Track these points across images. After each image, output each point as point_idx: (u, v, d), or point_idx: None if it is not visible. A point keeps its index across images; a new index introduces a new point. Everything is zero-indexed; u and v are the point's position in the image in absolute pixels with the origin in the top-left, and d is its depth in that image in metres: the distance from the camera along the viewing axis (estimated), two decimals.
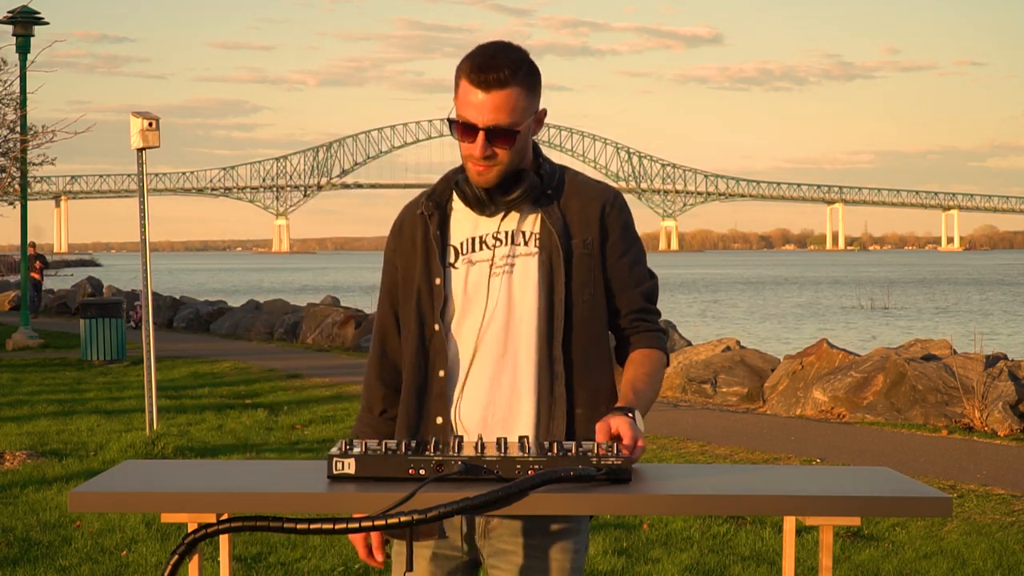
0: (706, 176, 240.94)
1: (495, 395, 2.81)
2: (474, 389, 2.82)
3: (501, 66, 2.73)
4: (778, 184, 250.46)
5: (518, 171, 2.82)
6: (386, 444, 2.50)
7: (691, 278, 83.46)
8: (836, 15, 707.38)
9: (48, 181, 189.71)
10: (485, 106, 2.74)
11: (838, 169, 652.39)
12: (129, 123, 10.31)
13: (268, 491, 2.48)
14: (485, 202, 2.82)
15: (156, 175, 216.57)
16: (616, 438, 2.61)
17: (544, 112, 2.84)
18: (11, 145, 18.99)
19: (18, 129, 18.64)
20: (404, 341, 2.89)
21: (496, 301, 2.83)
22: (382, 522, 2.34)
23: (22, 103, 18.31)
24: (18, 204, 21.04)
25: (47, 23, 20.33)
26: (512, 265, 2.84)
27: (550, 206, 2.85)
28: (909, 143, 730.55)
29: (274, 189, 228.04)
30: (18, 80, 18.67)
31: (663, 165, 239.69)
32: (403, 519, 2.33)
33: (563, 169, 2.91)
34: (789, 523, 2.62)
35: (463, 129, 2.77)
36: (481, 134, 2.75)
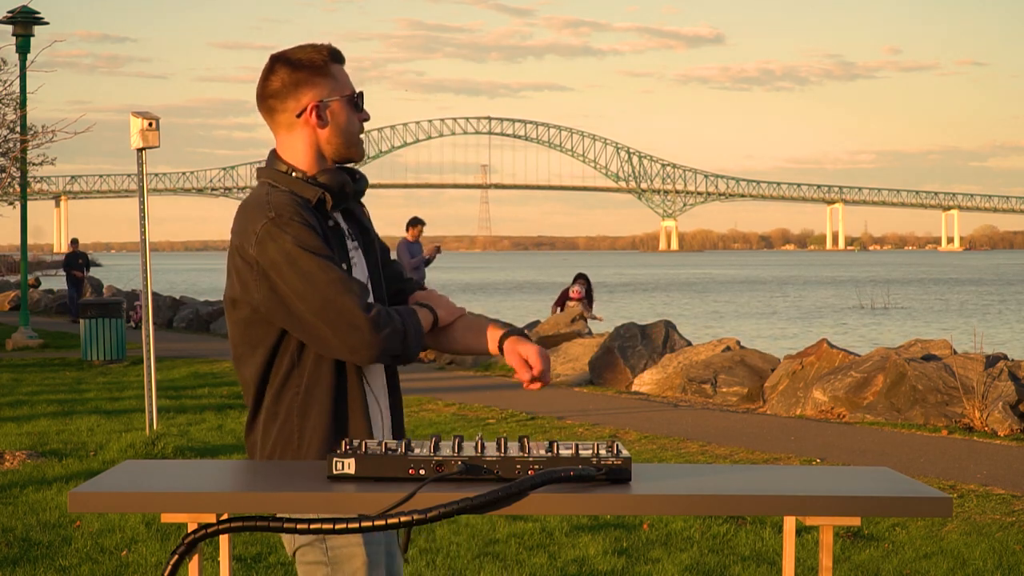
0: (706, 176, 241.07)
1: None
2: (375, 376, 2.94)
3: None
4: (778, 184, 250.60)
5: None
6: (386, 444, 2.50)
7: (691, 278, 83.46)
8: (838, 15, 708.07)
9: (48, 181, 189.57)
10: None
11: (839, 169, 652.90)
12: (129, 123, 10.30)
13: (268, 491, 2.48)
14: (356, 194, 2.92)
15: (156, 175, 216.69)
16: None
17: None
18: (11, 145, 19.02)
19: (18, 129, 18.67)
20: None
21: None
22: (382, 522, 2.34)
23: (22, 103, 18.32)
24: (18, 204, 21.04)
25: (47, 23, 20.36)
26: (354, 258, 2.91)
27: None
28: (910, 143, 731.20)
29: None
30: (18, 80, 18.70)
31: (663, 165, 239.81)
32: (403, 519, 2.32)
33: None
34: (789, 523, 2.62)
35: (360, 101, 2.88)
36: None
